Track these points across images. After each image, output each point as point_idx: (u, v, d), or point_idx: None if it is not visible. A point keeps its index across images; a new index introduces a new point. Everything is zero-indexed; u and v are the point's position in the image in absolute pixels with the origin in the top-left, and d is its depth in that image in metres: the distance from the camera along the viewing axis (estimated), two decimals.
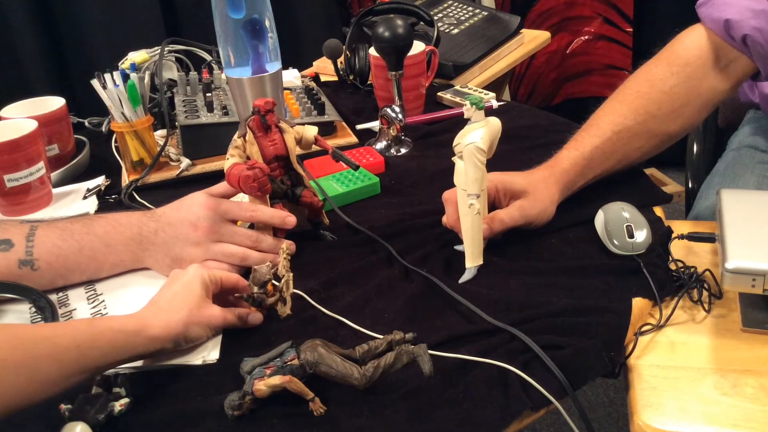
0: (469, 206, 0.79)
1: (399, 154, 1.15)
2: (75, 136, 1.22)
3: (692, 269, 0.79)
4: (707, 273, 0.79)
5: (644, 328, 0.74)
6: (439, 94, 1.34)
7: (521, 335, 0.70)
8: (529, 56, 1.71)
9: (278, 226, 0.87)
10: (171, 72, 1.31)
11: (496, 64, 1.57)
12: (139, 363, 0.71)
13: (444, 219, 0.89)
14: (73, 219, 0.86)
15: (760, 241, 0.73)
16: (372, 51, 1.26)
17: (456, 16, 1.63)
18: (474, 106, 0.78)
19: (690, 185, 1.29)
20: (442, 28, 1.55)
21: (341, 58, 1.44)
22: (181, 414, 0.65)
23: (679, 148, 1.37)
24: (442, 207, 0.95)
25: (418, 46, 1.23)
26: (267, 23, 0.97)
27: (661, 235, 0.85)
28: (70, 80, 2.06)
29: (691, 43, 0.94)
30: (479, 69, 1.52)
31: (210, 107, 1.15)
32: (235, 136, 0.88)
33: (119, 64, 1.26)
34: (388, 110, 1.14)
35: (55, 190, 1.08)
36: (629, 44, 2.48)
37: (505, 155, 1.08)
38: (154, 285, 0.78)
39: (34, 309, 0.80)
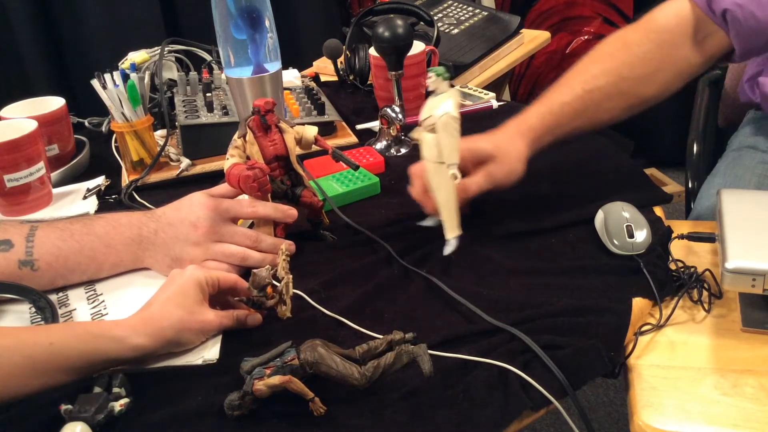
0: (451, 175, 0.79)
1: (399, 154, 1.15)
2: (75, 136, 1.22)
3: (692, 269, 0.79)
4: (707, 273, 0.79)
5: (644, 328, 0.74)
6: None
7: (521, 335, 0.70)
8: (528, 56, 1.71)
9: (280, 220, 0.87)
10: (171, 72, 1.31)
11: (496, 64, 1.57)
12: (139, 363, 0.71)
13: (410, 189, 0.89)
14: (73, 219, 0.86)
15: (760, 241, 0.73)
16: (372, 51, 1.26)
17: (456, 16, 1.63)
18: (439, 77, 0.78)
19: (690, 185, 1.29)
20: (442, 28, 1.55)
21: (341, 58, 1.44)
22: (181, 414, 0.65)
23: (679, 148, 1.37)
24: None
25: (418, 46, 1.23)
26: (267, 23, 0.97)
27: (661, 235, 0.85)
28: (70, 80, 2.06)
29: (671, 12, 0.94)
30: (479, 69, 1.52)
31: (210, 107, 1.15)
32: (235, 136, 0.88)
33: (119, 64, 1.26)
34: (388, 110, 1.14)
35: (55, 190, 1.08)
36: None
37: None
38: (154, 285, 0.78)
39: (34, 309, 0.80)
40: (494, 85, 1.55)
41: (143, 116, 1.09)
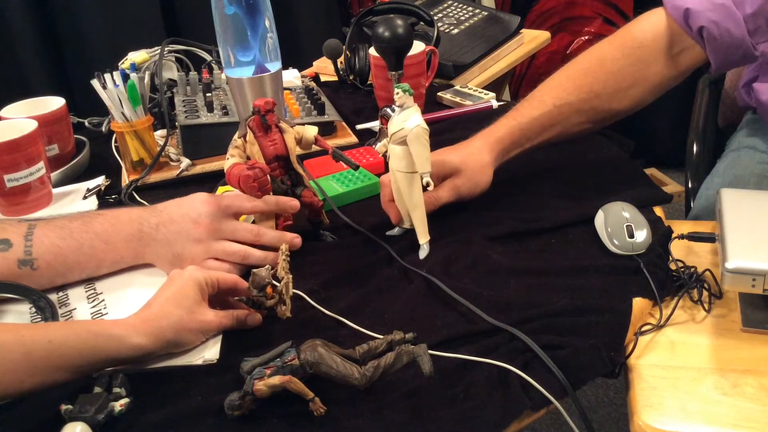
0: (425, 183, 0.81)
1: None
2: (75, 136, 1.22)
3: (692, 269, 0.79)
4: (707, 273, 0.79)
5: (644, 328, 0.74)
6: (439, 94, 1.34)
7: (521, 335, 0.70)
8: (529, 56, 1.71)
9: (282, 212, 0.87)
10: (171, 72, 1.31)
11: (496, 64, 1.57)
12: (139, 363, 0.71)
13: (382, 201, 0.92)
14: (71, 217, 0.85)
15: (760, 241, 0.73)
16: (372, 51, 1.26)
17: (456, 16, 1.63)
18: (406, 93, 0.81)
19: (690, 185, 1.29)
20: (442, 28, 1.55)
21: (341, 58, 1.44)
22: (181, 414, 0.65)
23: (679, 148, 1.37)
24: (441, 207, 0.95)
25: (418, 46, 1.23)
26: (267, 23, 0.97)
27: (661, 235, 0.85)
28: (70, 80, 2.06)
29: (648, 26, 0.95)
30: (479, 69, 1.52)
31: (210, 107, 1.15)
32: (235, 136, 0.88)
33: (119, 64, 1.26)
34: (388, 110, 1.13)
35: (55, 190, 1.08)
36: None
37: None
38: (153, 285, 0.78)
39: (34, 309, 0.80)
40: (494, 85, 1.55)
41: (143, 116, 1.09)
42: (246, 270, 0.83)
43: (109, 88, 1.05)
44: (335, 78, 1.46)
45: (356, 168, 0.94)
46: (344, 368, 0.64)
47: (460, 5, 1.67)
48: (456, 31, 1.58)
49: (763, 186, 1.12)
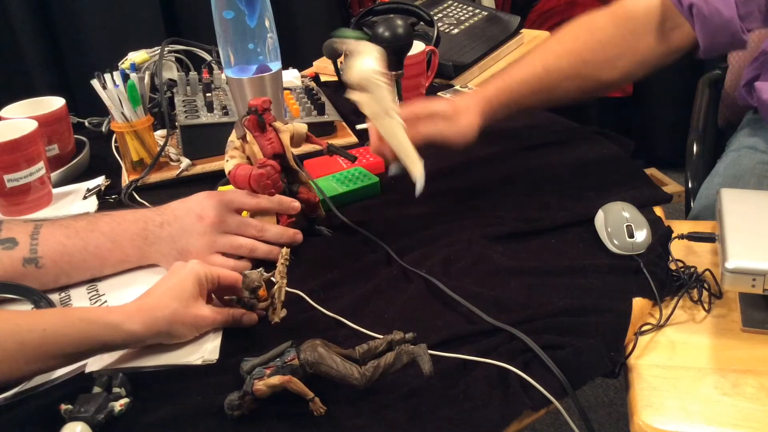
0: (397, 122, 0.83)
1: None
2: (75, 136, 1.22)
3: (692, 269, 0.79)
4: (707, 273, 0.79)
5: (644, 328, 0.74)
6: (439, 94, 1.34)
7: (521, 335, 0.70)
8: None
9: (283, 212, 0.88)
10: (171, 72, 1.31)
11: (496, 64, 1.57)
12: (139, 363, 0.71)
13: (371, 149, 0.94)
14: (77, 217, 0.86)
15: (760, 241, 0.73)
16: None
17: (456, 16, 1.63)
18: (350, 38, 0.83)
19: (690, 185, 1.29)
20: (442, 28, 1.55)
21: (341, 58, 1.44)
22: (181, 414, 0.65)
23: (679, 148, 1.37)
24: (441, 207, 0.95)
25: (418, 46, 1.23)
26: (267, 23, 0.97)
27: (661, 235, 0.84)
28: (70, 80, 2.06)
29: (641, 0, 0.95)
30: (479, 69, 1.52)
31: (210, 107, 1.15)
32: (232, 137, 0.88)
33: (119, 64, 1.26)
34: None
35: (55, 190, 1.08)
36: None
37: (505, 155, 1.09)
38: None
39: (34, 309, 0.80)
40: None
41: (143, 116, 1.09)
42: (253, 264, 0.83)
43: (109, 88, 1.05)
44: (335, 78, 1.46)
45: (354, 160, 0.94)
46: (344, 368, 0.64)
47: (460, 5, 1.67)
48: (456, 31, 1.58)
49: (763, 186, 1.12)
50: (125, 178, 1.10)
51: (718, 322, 0.75)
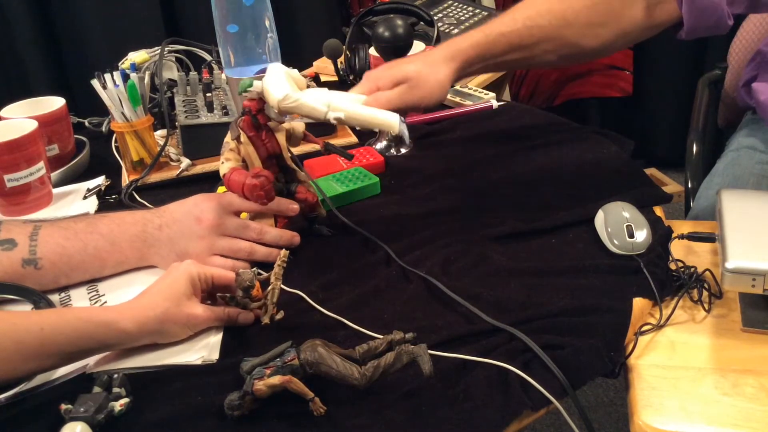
0: (334, 119, 0.82)
1: (399, 154, 1.15)
2: (75, 136, 1.22)
3: (692, 269, 0.79)
4: (707, 273, 0.79)
5: (644, 328, 0.74)
6: None
7: (521, 335, 0.70)
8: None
9: (282, 214, 0.88)
10: (171, 72, 1.31)
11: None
12: (139, 363, 0.71)
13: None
14: (77, 218, 0.86)
15: (760, 241, 0.73)
16: (372, 51, 1.26)
17: (456, 16, 1.63)
18: (251, 83, 0.81)
19: (690, 185, 1.30)
20: (442, 28, 1.55)
21: (341, 58, 1.44)
22: (181, 414, 0.65)
23: (679, 148, 1.38)
24: (442, 207, 0.95)
25: (418, 46, 1.23)
26: (267, 23, 0.97)
27: (661, 235, 0.85)
28: (70, 80, 2.06)
29: None
30: None
31: (210, 107, 1.15)
32: (227, 139, 0.88)
33: (119, 64, 1.26)
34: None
35: (55, 190, 1.08)
36: None
37: (505, 155, 1.09)
38: None
39: (34, 310, 0.80)
40: (494, 85, 1.55)
41: (143, 116, 1.09)
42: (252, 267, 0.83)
43: (109, 88, 1.05)
44: (335, 78, 1.46)
45: (350, 158, 0.93)
46: (344, 368, 0.64)
47: (460, 5, 1.67)
48: (456, 31, 1.57)
49: (763, 186, 1.12)
50: (125, 178, 1.10)
51: (718, 322, 0.75)
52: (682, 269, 0.80)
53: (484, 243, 0.87)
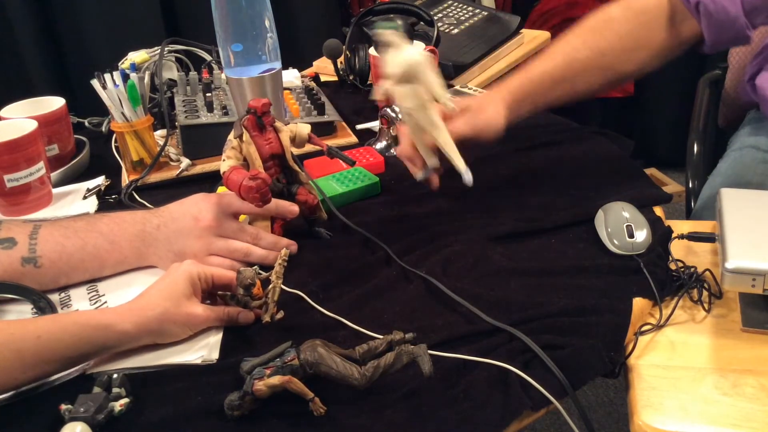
0: (450, 109, 0.83)
1: None
2: (75, 136, 1.22)
3: (692, 269, 0.79)
4: (707, 273, 0.79)
5: (644, 328, 0.74)
6: None
7: (521, 335, 0.70)
8: (529, 57, 1.71)
9: (281, 217, 0.88)
10: (171, 72, 1.31)
11: (496, 64, 1.57)
12: (139, 363, 0.71)
13: (398, 152, 0.95)
14: (76, 217, 0.86)
15: (760, 241, 0.73)
16: (372, 51, 1.26)
17: (456, 16, 1.63)
18: (391, 29, 0.82)
19: (690, 185, 1.29)
20: (442, 28, 1.55)
21: (341, 58, 1.44)
22: (181, 414, 0.65)
23: (679, 148, 1.37)
24: (442, 207, 0.95)
25: (418, 46, 1.23)
26: (267, 23, 0.97)
27: (661, 235, 0.85)
28: (70, 80, 2.06)
29: None
30: (479, 69, 1.52)
31: (210, 107, 1.15)
32: (230, 136, 0.88)
33: (119, 64, 1.26)
34: (388, 110, 1.13)
35: (55, 190, 1.08)
36: None
37: (505, 155, 1.09)
38: None
39: (34, 310, 0.80)
40: (494, 86, 1.55)
41: (143, 116, 1.09)
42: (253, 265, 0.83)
43: (109, 88, 1.05)
44: (335, 78, 1.46)
45: (352, 164, 0.94)
46: (344, 368, 0.64)
47: (460, 5, 1.67)
48: (456, 31, 1.58)
49: (765, 186, 1.12)
50: (125, 178, 1.10)
51: (718, 322, 0.75)
52: (682, 269, 0.80)
53: (484, 243, 0.87)
